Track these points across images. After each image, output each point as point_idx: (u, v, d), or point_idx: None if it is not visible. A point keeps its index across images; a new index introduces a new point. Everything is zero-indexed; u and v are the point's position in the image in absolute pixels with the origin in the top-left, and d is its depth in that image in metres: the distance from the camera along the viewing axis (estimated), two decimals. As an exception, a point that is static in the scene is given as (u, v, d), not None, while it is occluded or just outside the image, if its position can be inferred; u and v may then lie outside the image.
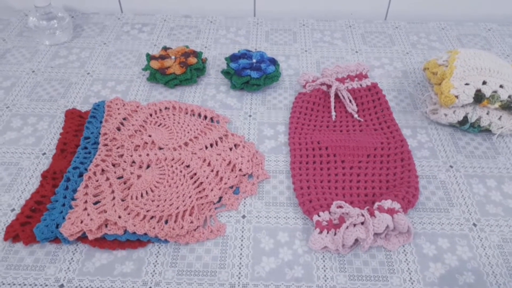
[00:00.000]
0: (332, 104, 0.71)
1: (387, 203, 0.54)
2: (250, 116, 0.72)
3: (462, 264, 0.52)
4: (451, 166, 0.64)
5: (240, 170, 0.61)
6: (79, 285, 0.50)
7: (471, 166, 0.64)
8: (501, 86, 0.65)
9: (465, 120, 0.67)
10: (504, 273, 0.51)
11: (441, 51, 0.89)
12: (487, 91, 0.64)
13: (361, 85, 0.74)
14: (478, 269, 0.52)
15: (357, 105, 0.72)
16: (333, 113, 0.70)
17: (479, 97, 0.64)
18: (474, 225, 0.56)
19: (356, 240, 0.53)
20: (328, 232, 0.53)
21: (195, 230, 0.54)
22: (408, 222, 0.52)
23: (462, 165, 0.64)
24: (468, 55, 0.70)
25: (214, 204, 0.58)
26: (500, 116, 0.66)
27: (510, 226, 0.56)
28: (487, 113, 0.66)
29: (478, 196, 0.60)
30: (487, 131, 0.69)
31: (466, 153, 0.66)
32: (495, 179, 0.62)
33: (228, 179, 0.60)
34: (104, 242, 0.53)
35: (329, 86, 0.73)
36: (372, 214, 0.53)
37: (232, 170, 0.61)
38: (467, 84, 0.65)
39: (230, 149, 0.64)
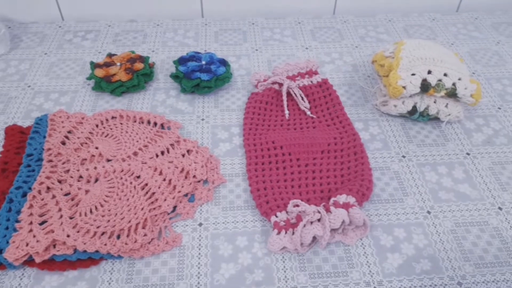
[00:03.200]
0: (285, 102, 0.70)
1: (342, 198, 0.54)
2: (202, 119, 0.71)
3: (419, 252, 0.53)
4: (403, 156, 0.65)
5: (194, 176, 0.59)
6: (28, 312, 0.47)
7: (423, 155, 0.65)
8: (445, 75, 0.66)
9: (414, 109, 0.68)
10: (458, 257, 0.52)
11: (389, 43, 0.90)
12: (432, 80, 0.65)
13: (312, 81, 0.74)
14: (434, 255, 0.52)
15: (309, 102, 0.72)
16: (286, 112, 0.70)
17: (425, 87, 0.65)
18: (428, 212, 0.57)
19: (315, 238, 0.53)
20: (286, 232, 0.52)
21: (149, 243, 0.52)
22: (364, 215, 0.52)
23: (414, 154, 0.65)
24: (413, 45, 0.71)
25: (168, 214, 0.56)
26: (447, 104, 0.68)
27: (462, 211, 0.58)
28: (435, 102, 0.68)
29: (431, 184, 0.61)
30: (436, 119, 0.71)
31: (417, 142, 0.68)
32: (445, 166, 0.64)
33: (182, 187, 0.58)
34: (53, 264, 0.50)
35: (281, 85, 0.73)
36: (328, 210, 0.52)
37: (185, 177, 0.59)
38: (413, 74, 0.66)
39: (183, 155, 0.62)
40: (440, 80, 0.66)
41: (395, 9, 1.01)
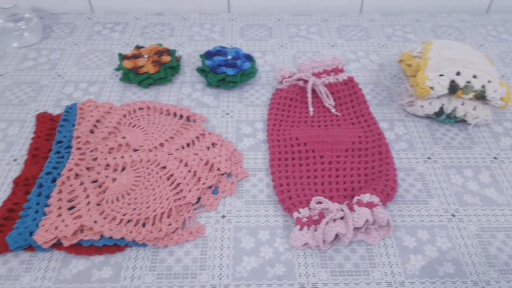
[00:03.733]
0: (310, 99, 0.70)
1: (366, 197, 0.54)
2: (227, 114, 0.72)
3: (442, 255, 0.52)
4: (429, 158, 0.65)
5: (218, 169, 0.60)
6: (55, 294, 0.48)
7: (449, 157, 0.65)
8: (474, 76, 0.65)
9: (441, 111, 0.67)
10: (482, 262, 0.52)
11: (416, 42, 0.89)
12: (461, 81, 0.64)
13: (337, 79, 0.74)
14: (457, 259, 0.52)
15: (334, 100, 0.72)
16: (311, 109, 0.70)
17: (453, 88, 0.65)
18: (453, 215, 0.57)
19: (337, 236, 0.53)
20: (308, 229, 0.52)
21: (173, 232, 0.53)
22: (388, 215, 0.52)
23: (440, 156, 0.65)
24: (441, 46, 0.70)
25: (192, 205, 0.57)
26: (475, 106, 0.67)
27: (488, 215, 0.57)
28: (462, 104, 0.67)
29: (456, 187, 0.60)
30: (463, 121, 0.70)
31: (443, 144, 0.67)
32: (471, 169, 0.63)
33: (206, 179, 0.59)
34: (80, 248, 0.51)
35: (306, 81, 0.73)
36: (351, 209, 0.52)
37: (210, 170, 0.60)
38: (441, 75, 0.65)
39: (208, 148, 0.63)
40: (469, 82, 0.65)
41: (423, 9, 1.00)
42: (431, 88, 0.65)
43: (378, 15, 0.97)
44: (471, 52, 0.70)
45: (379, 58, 0.85)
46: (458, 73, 0.65)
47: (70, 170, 0.58)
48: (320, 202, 0.54)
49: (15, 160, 0.63)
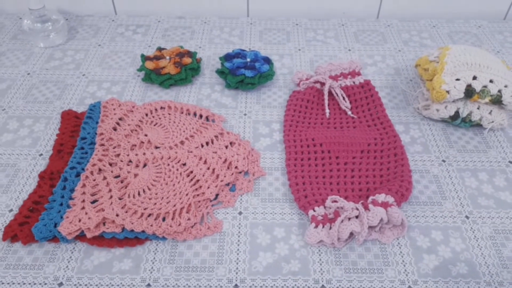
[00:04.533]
0: (326, 101, 0.72)
1: (381, 197, 0.55)
2: (245, 114, 0.73)
3: (455, 255, 0.53)
4: (443, 161, 0.65)
5: (236, 167, 0.62)
6: (78, 283, 0.50)
7: (463, 160, 0.65)
8: (491, 81, 0.66)
9: (456, 115, 0.68)
10: (496, 264, 0.52)
11: (433, 48, 0.90)
12: (477, 86, 0.65)
13: (354, 82, 0.75)
14: (471, 260, 0.52)
15: (350, 102, 0.73)
16: (327, 111, 0.71)
17: (469, 92, 0.65)
18: (467, 217, 0.57)
19: (351, 234, 0.54)
20: (323, 227, 0.54)
21: (192, 227, 0.55)
22: (402, 215, 0.53)
23: (454, 159, 0.65)
24: (458, 51, 0.71)
25: (210, 201, 0.58)
26: (491, 111, 0.67)
27: (502, 218, 0.57)
28: (478, 108, 0.67)
29: (470, 189, 0.61)
30: (478, 125, 0.70)
31: (458, 147, 0.67)
32: (486, 173, 0.63)
33: (224, 176, 0.60)
34: (102, 240, 0.53)
35: (323, 84, 0.74)
36: (366, 208, 0.53)
37: (228, 168, 0.62)
38: (457, 79, 0.66)
39: (226, 147, 0.65)
40: (485, 86, 0.65)
41: (440, 15, 1.01)
42: (447, 92, 0.66)
43: (395, 20, 0.98)
44: (488, 57, 0.70)
45: (396, 62, 0.86)
46: (474, 78, 0.66)
47: (94, 165, 0.61)
48: (335, 201, 0.55)
49: (40, 155, 0.65)
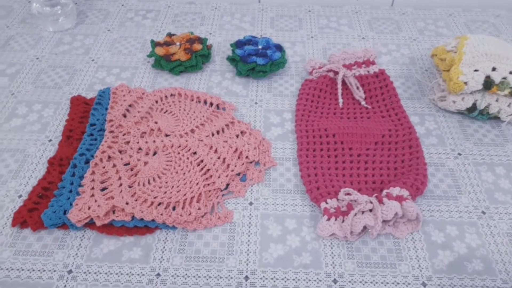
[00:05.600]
0: (339, 91, 0.70)
1: (396, 190, 0.54)
2: (256, 103, 0.72)
3: (471, 251, 0.52)
4: (459, 154, 0.64)
5: (247, 157, 0.61)
6: (88, 270, 0.50)
7: (480, 154, 0.64)
8: (510, 73, 0.64)
9: (473, 107, 0.66)
10: (513, 260, 0.51)
11: (449, 37, 0.87)
12: (496, 77, 0.63)
13: (368, 71, 0.73)
14: (487, 256, 0.51)
15: (364, 92, 0.71)
16: (340, 100, 0.70)
17: (488, 84, 0.63)
18: (483, 212, 0.56)
19: (364, 227, 0.53)
20: (336, 219, 0.52)
21: (202, 216, 0.54)
22: (417, 209, 0.51)
23: (471, 153, 0.64)
24: (477, 41, 0.69)
25: (221, 191, 0.57)
26: (510, 103, 0.65)
27: (519, 214, 0.56)
28: (496, 100, 0.65)
29: (487, 184, 0.60)
30: (496, 118, 0.68)
31: (475, 140, 0.66)
32: (504, 167, 0.62)
33: (235, 166, 0.59)
34: (111, 228, 0.53)
35: (336, 73, 0.73)
36: (380, 201, 0.52)
37: (238, 157, 0.61)
38: (476, 70, 0.64)
39: (237, 136, 0.64)
40: (504, 78, 0.63)
41: (457, 3, 0.98)
42: (465, 83, 0.64)
43: (410, 8, 0.96)
44: (507, 48, 0.68)
45: (410, 51, 0.84)
46: (493, 69, 0.64)
47: (103, 152, 0.60)
48: (348, 194, 0.54)
49: (50, 140, 0.65)
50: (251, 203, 0.57)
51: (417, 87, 0.75)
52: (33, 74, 0.76)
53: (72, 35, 0.86)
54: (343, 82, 0.72)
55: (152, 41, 0.78)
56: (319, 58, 0.81)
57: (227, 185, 0.58)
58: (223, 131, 0.64)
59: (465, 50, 0.67)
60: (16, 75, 0.76)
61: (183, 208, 0.54)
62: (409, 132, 0.64)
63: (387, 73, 0.77)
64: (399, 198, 0.53)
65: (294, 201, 0.57)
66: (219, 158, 0.60)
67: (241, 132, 0.64)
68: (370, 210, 0.52)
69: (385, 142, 0.63)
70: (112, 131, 0.63)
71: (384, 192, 0.54)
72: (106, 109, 0.66)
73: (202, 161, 0.59)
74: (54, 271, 0.50)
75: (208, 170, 0.58)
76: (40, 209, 0.54)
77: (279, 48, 0.78)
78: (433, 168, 0.62)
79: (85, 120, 0.66)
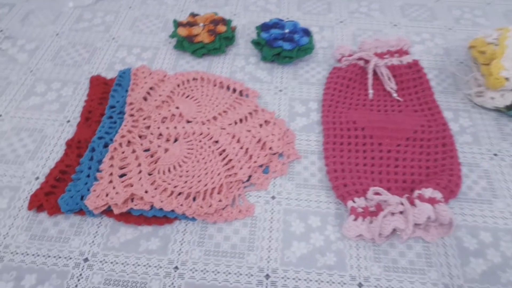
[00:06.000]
0: (370, 81, 0.67)
1: (428, 192, 0.51)
2: (280, 90, 0.69)
3: (506, 261, 0.49)
4: (495, 154, 0.60)
5: (270, 148, 0.58)
6: (104, 260, 0.48)
7: (517, 155, 0.60)
8: (557, 70, 0.59)
9: (513, 105, 0.62)
10: (550, 273, 0.48)
11: (487, 28, 0.82)
12: (542, 74, 0.59)
13: (401, 61, 0.69)
14: (522, 266, 0.49)
15: (396, 83, 0.68)
16: (370, 91, 0.66)
17: (532, 81, 0.59)
18: (519, 219, 0.53)
19: (393, 229, 0.50)
20: (363, 220, 0.50)
21: (223, 209, 0.52)
22: (451, 213, 0.48)
23: (508, 154, 0.60)
24: (522, 34, 0.64)
25: (243, 182, 0.55)
26: (553, 103, 0.61)
27: (559, 222, 0.53)
28: (539, 99, 0.61)
29: (524, 188, 0.56)
30: (536, 118, 0.64)
31: (512, 140, 0.62)
32: (543, 170, 0.58)
33: (258, 157, 0.57)
34: (129, 217, 0.51)
35: (367, 62, 0.69)
36: (412, 203, 0.49)
37: (262, 148, 0.58)
38: (519, 66, 0.60)
39: (260, 125, 0.61)
40: (550, 76, 0.59)
41: (497, -9, 0.92)
42: (507, 79, 0.60)
43: (446, -6, 0.90)
44: (554, 43, 0.63)
45: (445, 42, 0.79)
46: (539, 65, 0.60)
47: (123, 136, 0.58)
48: (378, 193, 0.51)
49: (68, 121, 0.63)
50: (273, 197, 0.55)
51: (452, 80, 0.71)
52: (52, 51, 0.74)
53: (93, 11, 0.83)
54: (374, 72, 0.69)
55: (175, 21, 0.74)
56: (348, 45, 0.77)
57: (249, 177, 0.56)
58: (246, 119, 0.62)
59: (508, 43, 0.63)
60: (35, 51, 0.74)
61: (203, 199, 0.52)
62: (443, 129, 0.61)
63: (420, 64, 0.73)
64: (432, 201, 0.50)
65: (318, 197, 0.55)
66: (241, 148, 0.57)
67: (265, 122, 0.62)
68: (401, 212, 0.49)
69: (417, 138, 0.60)
70: (132, 115, 0.61)
71: (416, 193, 0.51)
72: (126, 91, 0.64)
73: (224, 150, 0.57)
74: (70, 258, 0.48)
75: (230, 160, 0.56)
76: (57, 193, 0.53)
77: (306, 32, 0.74)
78: (466, 169, 0.58)
79: (105, 101, 0.64)
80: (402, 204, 0.49)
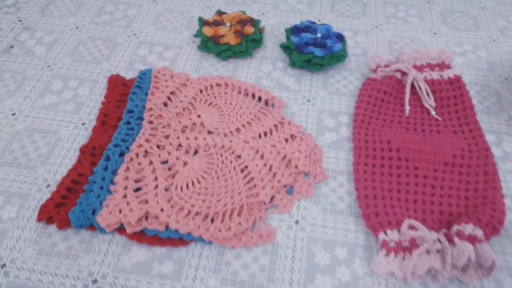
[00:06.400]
0: (407, 95, 0.61)
1: (469, 228, 0.46)
2: (308, 101, 0.64)
3: (553, 312, 0.44)
4: (542, 186, 0.55)
5: (296, 166, 0.54)
6: (113, 282, 0.45)
7: None
8: None
9: None
10: None
11: (535, 40, 0.76)
12: None
13: (441, 76, 0.64)
14: None
15: (435, 100, 0.63)
16: (407, 107, 0.61)
17: None
18: None
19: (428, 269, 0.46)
20: (395, 255, 0.46)
21: (242, 233, 0.48)
22: (494, 255, 0.44)
23: (557, 187, 0.55)
24: None
25: (265, 204, 0.51)
26: None
27: None
28: None
29: None
30: None
31: (561, 171, 0.57)
32: None
33: (282, 176, 0.53)
34: (142, 236, 0.48)
35: (405, 74, 0.64)
36: (450, 241, 0.45)
37: (287, 166, 0.54)
38: None
39: (286, 140, 0.57)
40: None
41: (547, -1, 0.85)
42: (561, 104, 0.54)
43: (491, 2, 0.84)
44: None
45: (489, 55, 0.73)
46: None
47: (140, 146, 0.54)
48: (413, 227, 0.47)
49: (83, 124, 0.60)
50: (297, 222, 0.51)
51: (495, 98, 0.66)
52: (71, 45, 0.71)
53: (115, 3, 0.79)
54: (412, 86, 0.63)
55: (200, 19, 0.70)
56: (384, 53, 0.72)
57: (272, 197, 0.52)
58: (271, 132, 0.57)
59: None
60: (53, 44, 0.71)
61: (222, 221, 0.48)
62: (485, 154, 0.56)
63: (463, 80, 0.67)
64: (472, 239, 0.45)
65: (346, 225, 0.50)
66: (265, 165, 0.53)
67: (291, 136, 0.57)
68: (437, 251, 0.45)
69: (456, 164, 0.55)
70: (151, 122, 0.57)
71: (455, 228, 0.46)
72: (146, 94, 0.60)
73: (246, 167, 0.53)
74: (78, 278, 0.45)
75: (252, 178, 0.52)
76: (68, 205, 0.50)
77: (340, 38, 0.69)
78: (509, 201, 0.53)
79: (123, 104, 0.60)
80: (439, 241, 0.45)
